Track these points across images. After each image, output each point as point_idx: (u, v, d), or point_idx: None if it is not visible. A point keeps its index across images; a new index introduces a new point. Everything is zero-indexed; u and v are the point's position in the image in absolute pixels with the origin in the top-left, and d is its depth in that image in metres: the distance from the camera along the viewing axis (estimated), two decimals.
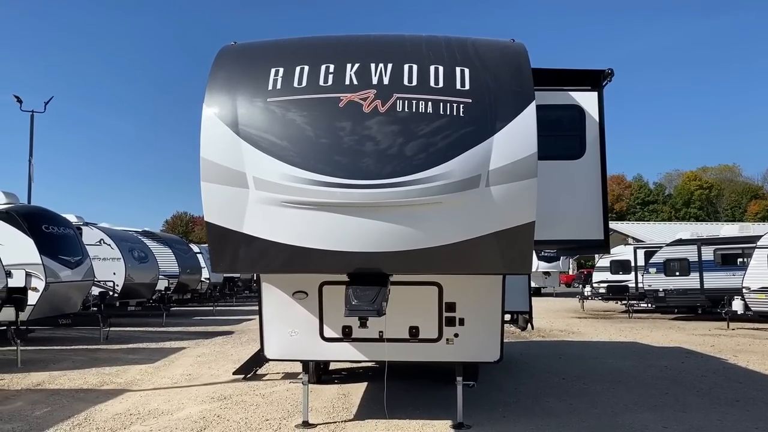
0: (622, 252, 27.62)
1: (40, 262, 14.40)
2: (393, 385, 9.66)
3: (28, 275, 14.38)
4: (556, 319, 22.43)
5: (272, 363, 10.26)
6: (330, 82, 5.35)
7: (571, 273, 60.60)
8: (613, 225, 54.86)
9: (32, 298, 14.31)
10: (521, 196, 5.27)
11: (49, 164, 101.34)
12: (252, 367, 10.35)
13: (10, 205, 15.04)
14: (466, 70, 5.39)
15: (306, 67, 5.44)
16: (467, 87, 5.32)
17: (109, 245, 19.67)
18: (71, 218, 20.46)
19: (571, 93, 6.39)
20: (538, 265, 37.43)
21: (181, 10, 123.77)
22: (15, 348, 11.70)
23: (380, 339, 7.17)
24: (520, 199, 5.27)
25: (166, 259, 23.16)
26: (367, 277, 5.62)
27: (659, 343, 15.27)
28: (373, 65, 5.40)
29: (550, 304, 31.47)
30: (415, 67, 5.39)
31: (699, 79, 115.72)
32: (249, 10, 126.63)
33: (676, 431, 7.20)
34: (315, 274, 6.40)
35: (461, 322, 7.07)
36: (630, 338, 16.41)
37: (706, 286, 21.02)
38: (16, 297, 12.14)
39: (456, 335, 7.10)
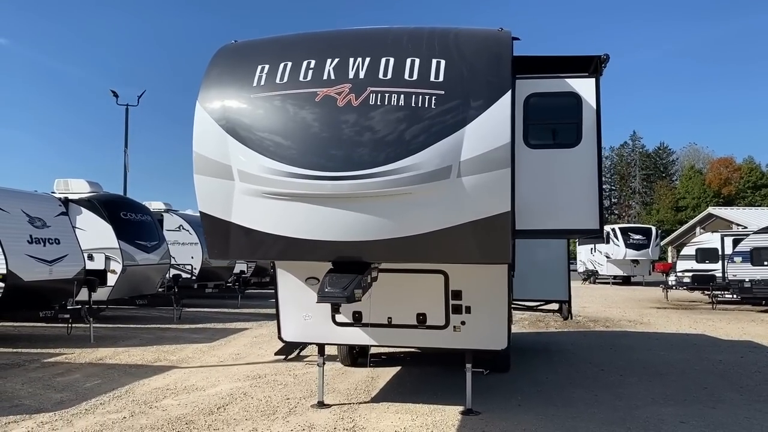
0: (708, 239, 26.17)
1: (118, 246, 15.56)
2: (420, 371, 9.89)
3: (107, 259, 15.60)
4: (632, 308, 21.70)
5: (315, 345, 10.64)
6: (309, 77, 5.56)
7: (669, 261, 57.94)
8: (714, 210, 51.86)
9: (111, 279, 15.52)
10: (494, 186, 5.28)
11: (146, 152, 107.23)
12: (292, 349, 10.79)
13: (92, 194, 16.28)
14: (442, 62, 5.44)
15: (290, 63, 5.68)
16: (441, 79, 5.37)
17: (188, 230, 20.84)
18: (159, 205, 21.86)
19: (568, 80, 6.27)
20: (625, 252, 36.23)
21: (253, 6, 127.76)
22: (92, 325, 12.75)
23: (389, 324, 7.37)
24: (493, 190, 5.29)
25: None
26: (347, 266, 5.82)
27: (729, 336, 14.52)
28: (351, 59, 5.56)
29: (634, 293, 30.37)
30: (392, 60, 5.50)
31: None
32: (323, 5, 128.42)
33: (694, 426, 6.96)
34: (302, 261, 6.65)
35: (468, 310, 7.14)
36: (700, 330, 15.69)
37: None
38: (89, 279, 13.18)
39: (463, 323, 7.18)
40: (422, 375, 9.66)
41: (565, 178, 6.18)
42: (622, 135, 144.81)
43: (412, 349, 11.33)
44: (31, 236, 12.36)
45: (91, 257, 15.42)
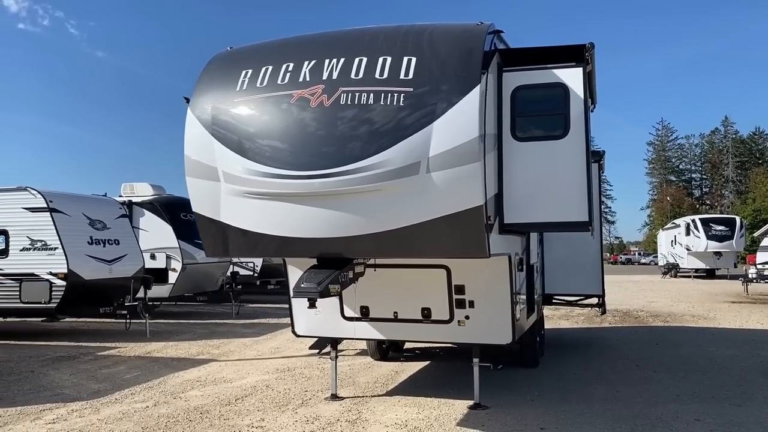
0: None
1: (178, 246, 16.36)
2: (447, 365, 9.93)
3: (168, 258, 16.44)
4: (703, 303, 20.72)
5: (351, 340, 10.81)
6: (287, 80, 5.76)
7: None
8: None
9: (172, 277, 16.36)
10: (464, 180, 5.30)
11: None
12: (326, 343, 11.02)
13: (155, 197, 17.19)
14: (413, 59, 5.50)
15: (270, 67, 5.89)
16: (410, 76, 5.43)
17: None
18: None
19: (555, 71, 6.14)
20: (707, 244, 34.51)
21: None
22: (147, 320, 13.50)
23: (395, 319, 7.48)
24: (463, 184, 5.31)
25: None
26: (330, 261, 5.98)
27: None
28: (327, 61, 5.70)
29: (713, 287, 28.92)
30: (365, 59, 5.60)
31: None
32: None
33: (707, 424, 6.69)
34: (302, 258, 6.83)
35: (471, 304, 7.14)
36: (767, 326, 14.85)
37: None
38: (145, 277, 13.95)
39: (467, 317, 7.19)
40: (447, 369, 9.68)
41: (553, 170, 6.08)
42: (713, 121, 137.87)
43: (446, 345, 11.36)
44: (91, 237, 13.23)
45: (153, 257, 16.34)
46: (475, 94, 5.29)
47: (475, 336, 7.25)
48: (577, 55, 6.09)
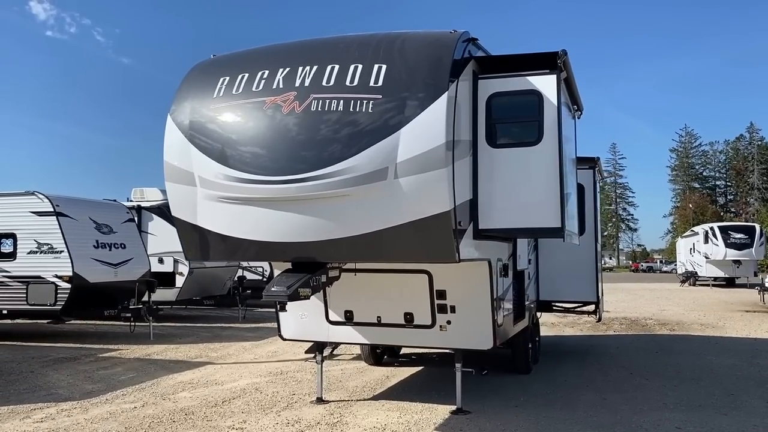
0: None
1: None
2: (440, 371, 9.95)
3: (175, 262, 16.66)
4: (715, 312, 20.45)
5: (347, 345, 10.87)
6: (261, 87, 5.87)
7: None
8: None
9: (179, 281, 16.59)
10: (432, 186, 5.36)
11: None
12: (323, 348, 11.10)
13: (164, 201, 17.43)
14: (383, 67, 5.58)
15: (246, 75, 6.02)
16: (380, 83, 5.51)
17: None
18: None
19: (529, 78, 6.18)
20: (725, 252, 34.03)
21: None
22: (151, 323, 13.70)
23: (379, 323, 7.54)
24: (430, 190, 5.36)
25: None
26: (304, 265, 6.06)
27: None
28: (300, 68, 5.81)
29: (730, 296, 28.49)
30: (336, 67, 5.70)
31: None
32: None
33: None
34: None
35: (452, 309, 7.17)
36: None
37: None
38: (149, 281, 14.16)
39: (449, 322, 7.22)
40: (439, 374, 9.70)
41: (526, 177, 6.12)
42: (738, 127, 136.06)
43: (440, 350, 11.37)
44: (97, 241, 13.48)
45: (161, 261, 16.58)
46: (442, 101, 5.35)
47: (457, 341, 7.28)
48: (550, 62, 6.12)
